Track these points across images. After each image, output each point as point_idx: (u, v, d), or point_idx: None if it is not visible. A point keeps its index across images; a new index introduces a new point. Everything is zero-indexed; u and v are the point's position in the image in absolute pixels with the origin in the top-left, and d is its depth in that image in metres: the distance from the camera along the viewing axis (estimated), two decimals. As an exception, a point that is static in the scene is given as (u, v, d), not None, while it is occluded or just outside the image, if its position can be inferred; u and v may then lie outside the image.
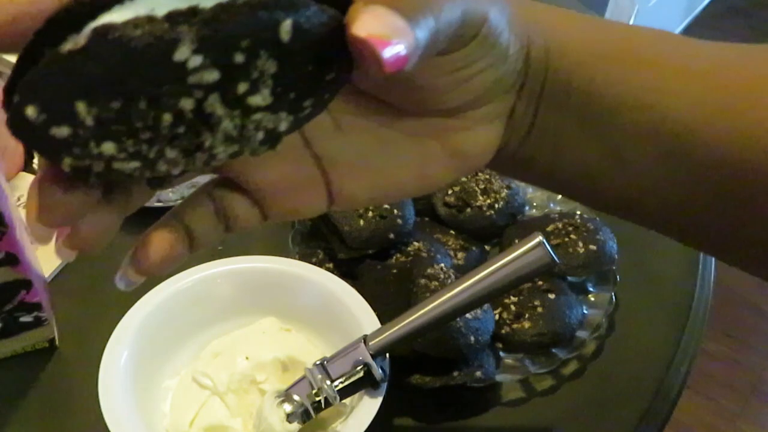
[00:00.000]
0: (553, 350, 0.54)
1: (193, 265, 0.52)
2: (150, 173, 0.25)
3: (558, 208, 0.65)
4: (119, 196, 0.30)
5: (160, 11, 0.22)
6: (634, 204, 0.34)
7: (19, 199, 0.67)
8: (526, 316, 0.54)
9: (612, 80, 0.31)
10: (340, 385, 0.44)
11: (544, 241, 0.42)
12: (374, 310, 0.49)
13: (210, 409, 0.48)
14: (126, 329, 0.48)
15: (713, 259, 0.65)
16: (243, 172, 0.31)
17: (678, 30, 2.43)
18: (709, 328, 0.60)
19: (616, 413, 0.54)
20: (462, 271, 0.53)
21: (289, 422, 0.44)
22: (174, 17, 0.21)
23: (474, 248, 0.61)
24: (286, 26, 0.23)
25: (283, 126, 0.26)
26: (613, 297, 0.58)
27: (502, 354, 0.55)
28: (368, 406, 0.44)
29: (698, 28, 2.44)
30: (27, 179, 0.69)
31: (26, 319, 0.53)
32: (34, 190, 0.26)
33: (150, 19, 0.21)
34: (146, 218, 0.68)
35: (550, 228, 0.60)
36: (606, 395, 0.55)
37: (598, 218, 0.62)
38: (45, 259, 0.61)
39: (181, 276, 0.51)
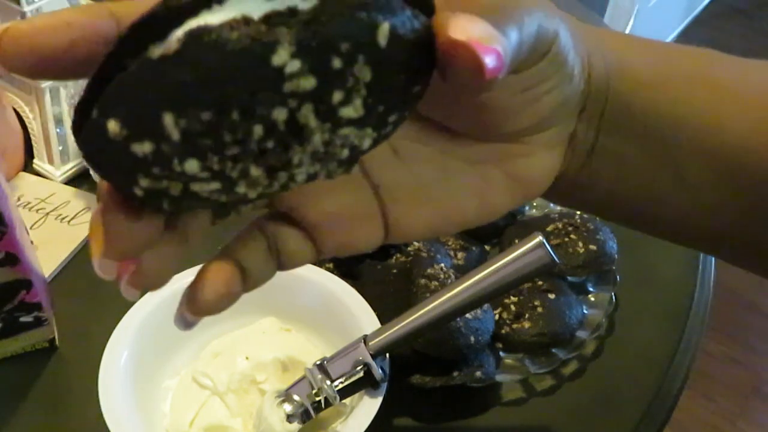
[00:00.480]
0: (553, 350, 0.54)
1: (193, 265, 0.52)
2: (226, 197, 0.23)
3: (558, 208, 0.65)
4: (181, 228, 0.28)
5: (256, 13, 0.20)
6: (693, 226, 0.34)
7: (19, 199, 0.67)
8: (526, 316, 0.54)
9: (673, 101, 0.31)
10: (340, 385, 0.44)
11: (544, 241, 0.42)
12: (374, 310, 0.49)
13: (210, 409, 0.48)
14: (126, 329, 0.48)
15: (713, 259, 0.65)
16: (300, 204, 0.29)
17: (678, 30, 2.43)
18: (709, 328, 0.60)
19: (616, 413, 0.54)
20: (462, 271, 0.53)
21: (289, 422, 0.44)
22: (272, 18, 0.20)
23: (474, 248, 0.61)
24: (384, 30, 0.21)
25: (366, 143, 0.24)
26: (613, 297, 0.58)
27: (502, 354, 0.55)
28: (368, 406, 0.44)
29: (698, 28, 2.44)
30: (27, 179, 0.69)
31: (26, 319, 0.53)
32: (98, 220, 0.24)
33: (246, 21, 0.20)
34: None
35: (550, 228, 0.60)
36: (606, 395, 0.55)
37: (597, 218, 0.62)
38: (45, 259, 0.61)
39: (182, 276, 0.51)
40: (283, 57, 0.20)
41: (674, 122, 0.31)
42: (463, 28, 0.22)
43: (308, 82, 0.20)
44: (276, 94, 0.20)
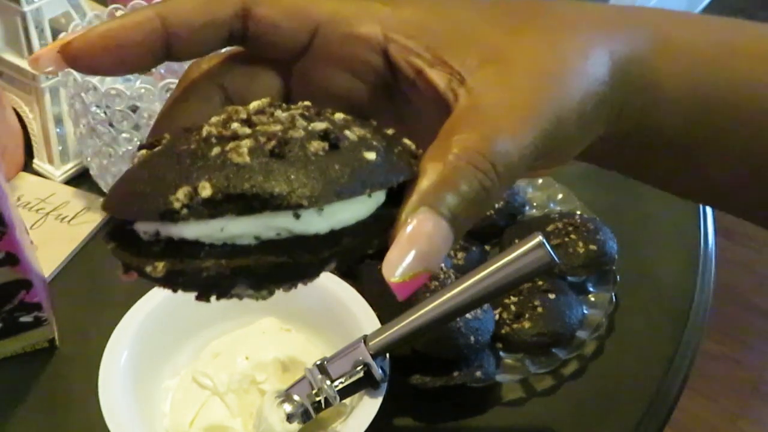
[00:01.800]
0: (553, 350, 0.54)
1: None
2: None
3: (558, 208, 0.65)
4: None
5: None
6: (724, 196, 0.34)
7: (19, 199, 0.67)
8: (526, 316, 0.54)
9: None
10: (340, 386, 0.44)
11: (544, 241, 0.42)
12: (374, 310, 0.49)
13: (210, 409, 0.48)
14: (126, 329, 0.48)
15: (713, 259, 0.65)
16: None
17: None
18: (709, 328, 0.60)
19: (616, 413, 0.54)
20: (462, 271, 0.53)
21: (289, 422, 0.44)
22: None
23: (474, 248, 0.61)
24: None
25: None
26: (613, 297, 0.58)
27: (502, 354, 0.55)
28: (368, 406, 0.44)
29: (698, 28, 2.44)
30: (27, 179, 0.69)
31: (26, 319, 0.53)
32: None
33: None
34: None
35: (550, 228, 0.59)
36: (606, 395, 0.55)
37: (598, 218, 0.62)
38: (45, 259, 0.61)
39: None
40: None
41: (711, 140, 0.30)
42: (388, 270, 0.24)
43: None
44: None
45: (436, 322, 0.44)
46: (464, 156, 0.25)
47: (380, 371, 0.44)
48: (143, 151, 0.27)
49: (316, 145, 0.24)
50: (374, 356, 0.44)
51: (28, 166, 0.70)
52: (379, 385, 0.45)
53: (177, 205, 0.23)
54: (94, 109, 0.59)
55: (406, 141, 0.27)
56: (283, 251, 0.24)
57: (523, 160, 0.25)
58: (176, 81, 0.57)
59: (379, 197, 0.26)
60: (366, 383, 0.45)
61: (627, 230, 0.63)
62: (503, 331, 0.54)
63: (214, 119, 0.26)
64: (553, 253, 0.41)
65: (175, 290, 0.26)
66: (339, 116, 0.27)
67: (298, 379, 0.46)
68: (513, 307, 0.55)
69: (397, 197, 0.25)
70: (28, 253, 0.53)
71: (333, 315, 0.50)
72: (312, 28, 0.28)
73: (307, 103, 0.27)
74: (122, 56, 0.27)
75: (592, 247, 0.58)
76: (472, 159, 0.25)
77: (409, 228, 0.24)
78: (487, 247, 0.63)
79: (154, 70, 0.69)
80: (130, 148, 0.61)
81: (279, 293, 0.27)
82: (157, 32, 0.26)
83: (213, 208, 0.23)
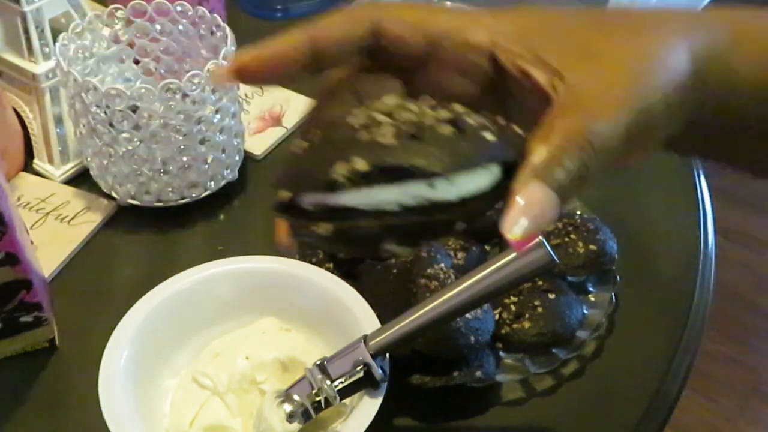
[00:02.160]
0: (553, 350, 0.54)
1: (193, 265, 0.52)
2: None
3: (558, 208, 0.65)
4: None
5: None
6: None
7: (19, 199, 0.67)
8: (526, 316, 0.54)
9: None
10: (340, 385, 0.44)
11: (544, 241, 0.42)
12: (374, 310, 0.49)
13: (210, 409, 0.48)
14: (126, 329, 0.48)
15: (713, 259, 0.65)
16: None
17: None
18: (709, 328, 0.60)
19: (616, 413, 0.54)
20: (462, 271, 0.53)
21: (289, 422, 0.44)
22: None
23: (474, 248, 0.61)
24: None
25: None
26: (613, 297, 0.58)
27: (502, 354, 0.55)
28: (368, 406, 0.44)
29: (698, 28, 2.43)
30: (27, 179, 0.69)
31: (26, 319, 0.53)
32: None
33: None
34: (147, 218, 0.69)
35: (550, 228, 0.59)
36: (606, 395, 0.55)
37: (598, 218, 0.62)
38: (45, 259, 0.61)
39: (181, 276, 0.51)
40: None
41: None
42: (506, 228, 0.29)
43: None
44: None
45: (436, 322, 0.44)
46: (567, 137, 0.30)
47: (380, 371, 0.44)
48: (301, 142, 0.33)
49: (445, 129, 0.30)
50: (374, 356, 0.44)
51: (28, 166, 0.70)
52: (379, 385, 0.45)
53: (339, 178, 0.30)
54: (94, 109, 0.59)
55: (514, 126, 0.32)
56: (421, 214, 0.30)
57: (616, 141, 0.30)
58: (176, 81, 0.57)
59: (497, 172, 0.31)
60: (366, 383, 0.45)
61: (627, 230, 0.63)
62: (503, 331, 0.54)
63: (357, 112, 0.32)
64: (553, 253, 0.41)
65: (338, 250, 0.34)
66: (458, 108, 0.32)
67: (298, 379, 0.46)
68: (513, 307, 0.55)
69: (510, 173, 0.30)
70: (28, 253, 0.53)
71: (333, 315, 0.50)
72: (431, 39, 0.34)
73: (429, 99, 0.33)
74: (283, 71, 0.35)
75: (592, 247, 0.58)
76: (574, 139, 0.30)
77: (523, 196, 0.29)
78: (487, 247, 0.63)
79: (154, 70, 0.69)
80: (130, 148, 0.61)
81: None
82: (309, 50, 0.34)
83: (367, 179, 0.29)
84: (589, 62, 0.32)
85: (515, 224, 0.29)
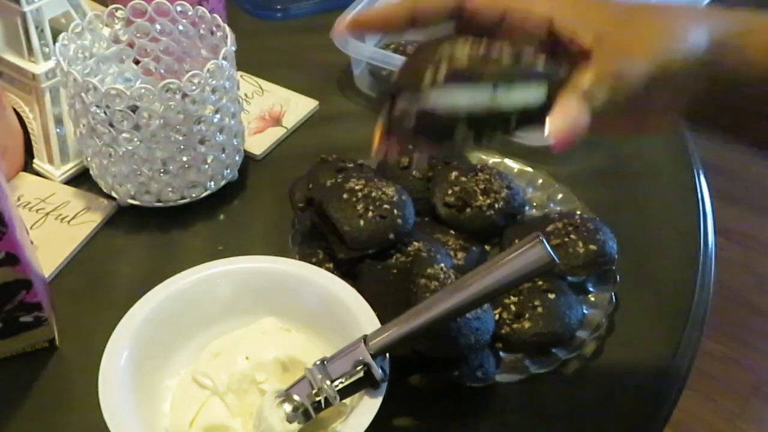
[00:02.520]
0: (553, 350, 0.54)
1: (193, 265, 0.52)
2: None
3: (558, 208, 0.65)
4: None
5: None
6: None
7: (19, 199, 0.67)
8: (526, 316, 0.54)
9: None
10: (340, 385, 0.44)
11: (544, 241, 0.42)
12: (374, 310, 0.49)
13: (210, 409, 0.48)
14: (126, 329, 0.48)
15: (713, 259, 0.65)
16: None
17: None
18: (709, 328, 0.60)
19: (616, 413, 0.54)
20: (462, 271, 0.53)
21: (289, 422, 0.44)
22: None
23: (474, 248, 0.61)
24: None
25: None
26: (613, 297, 0.58)
27: (502, 354, 0.55)
28: (368, 406, 0.44)
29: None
30: (27, 179, 0.69)
31: (26, 319, 0.53)
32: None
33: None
34: (147, 218, 0.69)
35: (550, 228, 0.60)
36: (606, 395, 0.55)
37: (598, 218, 0.62)
38: (45, 259, 0.61)
39: (181, 276, 0.51)
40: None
41: None
42: (549, 122, 0.39)
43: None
44: None
45: (436, 322, 0.44)
46: (602, 71, 0.39)
47: (380, 371, 0.44)
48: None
49: (506, 57, 0.40)
50: (374, 356, 0.44)
51: (28, 166, 0.70)
52: (379, 385, 0.45)
53: (426, 81, 0.40)
54: (94, 109, 0.59)
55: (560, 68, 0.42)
56: (485, 112, 0.40)
57: (639, 84, 0.39)
58: (176, 81, 0.57)
59: (543, 93, 0.40)
60: (366, 383, 0.45)
61: (627, 230, 0.63)
62: (503, 331, 0.54)
63: (443, 46, 0.42)
64: (553, 253, 0.41)
65: (419, 133, 0.41)
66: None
67: (298, 379, 0.46)
68: (513, 307, 0.55)
69: (551, 97, 0.40)
70: (29, 253, 0.53)
71: (333, 315, 0.50)
72: (503, 11, 0.43)
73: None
74: (389, 27, 0.46)
75: (592, 247, 0.58)
76: (607, 70, 0.39)
77: (565, 105, 0.39)
78: (487, 248, 0.63)
79: (154, 70, 0.69)
80: (130, 148, 0.61)
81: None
82: (410, 13, 0.44)
83: (446, 80, 0.40)
84: (624, 29, 0.41)
85: (555, 121, 0.39)
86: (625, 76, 0.39)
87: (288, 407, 0.45)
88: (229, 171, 0.67)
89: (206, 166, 0.64)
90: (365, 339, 0.45)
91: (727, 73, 0.41)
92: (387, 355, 0.46)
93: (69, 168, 0.69)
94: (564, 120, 0.38)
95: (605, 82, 0.39)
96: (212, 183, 0.66)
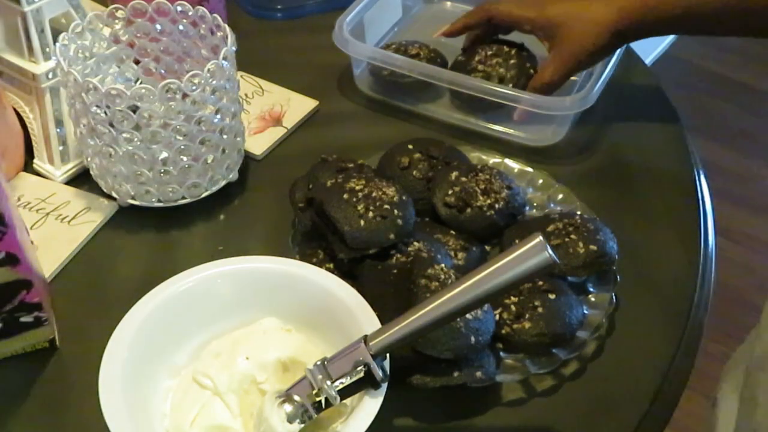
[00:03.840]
0: (554, 350, 0.54)
1: (193, 265, 0.52)
2: None
3: (558, 209, 0.65)
4: None
5: None
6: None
7: (19, 199, 0.67)
8: (527, 316, 0.54)
9: None
10: (341, 386, 0.44)
11: (545, 241, 0.42)
12: (374, 310, 0.49)
13: (210, 410, 0.48)
14: (126, 329, 0.48)
15: (713, 259, 0.65)
16: None
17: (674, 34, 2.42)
18: (709, 328, 0.60)
19: (616, 413, 0.54)
20: (462, 272, 0.53)
21: (290, 423, 0.44)
22: None
23: (474, 248, 0.61)
24: None
25: None
26: (613, 297, 0.58)
27: (502, 354, 0.55)
28: (368, 407, 0.44)
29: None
30: (27, 179, 0.69)
31: (26, 319, 0.53)
32: None
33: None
34: (147, 218, 0.69)
35: (550, 228, 0.60)
36: (606, 395, 0.55)
37: (598, 218, 0.62)
38: (45, 259, 0.61)
39: (181, 276, 0.51)
40: None
41: None
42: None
43: None
44: None
45: (436, 322, 0.44)
46: (538, 80, 0.72)
47: (380, 371, 0.44)
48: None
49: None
50: (374, 356, 0.44)
51: (28, 166, 0.70)
52: (379, 385, 0.45)
53: None
54: (94, 109, 0.59)
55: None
56: None
57: (560, 81, 0.71)
58: (176, 81, 0.57)
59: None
60: (366, 383, 0.45)
61: (627, 230, 0.63)
62: (503, 331, 0.54)
63: None
64: (553, 254, 0.41)
65: None
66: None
67: (298, 379, 0.46)
68: (513, 307, 0.55)
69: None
70: (29, 253, 0.53)
71: (333, 315, 0.50)
72: (514, 19, 0.74)
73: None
74: (464, 32, 0.78)
75: (592, 247, 0.58)
76: (541, 79, 0.71)
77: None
78: (487, 248, 0.63)
79: (154, 70, 0.69)
80: (130, 148, 0.61)
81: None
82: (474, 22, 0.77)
83: None
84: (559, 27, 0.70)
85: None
86: (545, 84, 0.70)
87: (288, 407, 0.45)
88: (229, 171, 0.67)
89: (206, 167, 0.64)
90: (365, 339, 0.45)
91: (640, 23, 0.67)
92: (387, 355, 0.46)
93: (69, 168, 0.69)
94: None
95: (539, 82, 0.71)
96: (212, 183, 0.66)
